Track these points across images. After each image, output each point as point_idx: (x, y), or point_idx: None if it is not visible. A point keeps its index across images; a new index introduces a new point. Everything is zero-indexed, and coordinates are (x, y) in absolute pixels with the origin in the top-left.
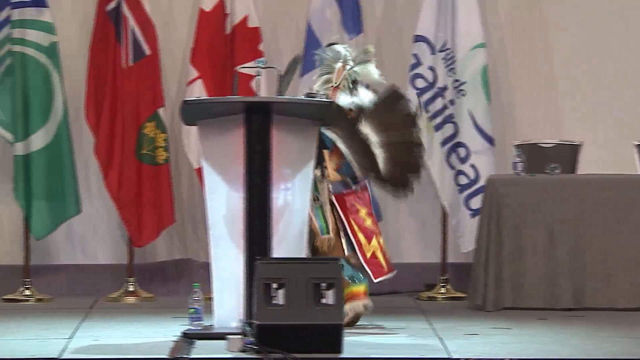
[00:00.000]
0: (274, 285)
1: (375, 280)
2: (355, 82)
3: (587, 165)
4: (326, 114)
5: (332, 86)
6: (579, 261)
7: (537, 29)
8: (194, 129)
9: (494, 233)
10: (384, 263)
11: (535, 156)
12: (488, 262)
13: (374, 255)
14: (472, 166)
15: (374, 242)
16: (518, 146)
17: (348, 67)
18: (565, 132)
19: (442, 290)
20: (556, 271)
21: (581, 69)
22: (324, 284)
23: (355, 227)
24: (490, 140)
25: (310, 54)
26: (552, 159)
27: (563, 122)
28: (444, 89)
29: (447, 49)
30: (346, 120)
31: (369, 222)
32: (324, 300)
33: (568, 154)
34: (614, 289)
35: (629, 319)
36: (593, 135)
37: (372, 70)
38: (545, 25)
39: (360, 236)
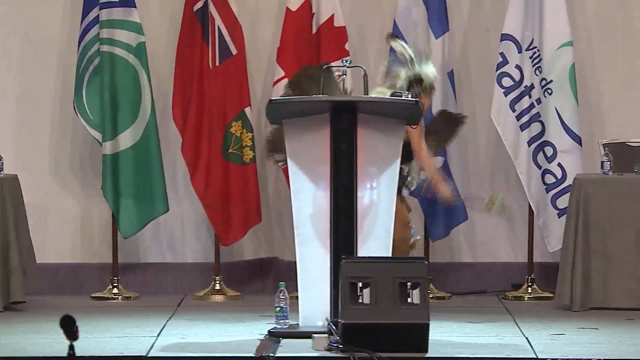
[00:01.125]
0: (360, 285)
1: None
2: (416, 81)
3: None
4: (412, 113)
5: (396, 90)
6: None
7: (624, 29)
8: None
9: (581, 233)
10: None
11: (623, 155)
12: (575, 262)
13: None
14: (559, 165)
15: None
16: (606, 145)
17: (409, 71)
18: None
19: (529, 289)
20: None
21: None
22: (409, 283)
23: None
24: (577, 139)
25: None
26: None
27: None
28: (531, 87)
29: (534, 48)
30: None
31: None
32: (409, 300)
33: None
34: None
35: None
36: None
37: (429, 71)
38: (631, 24)
39: None
